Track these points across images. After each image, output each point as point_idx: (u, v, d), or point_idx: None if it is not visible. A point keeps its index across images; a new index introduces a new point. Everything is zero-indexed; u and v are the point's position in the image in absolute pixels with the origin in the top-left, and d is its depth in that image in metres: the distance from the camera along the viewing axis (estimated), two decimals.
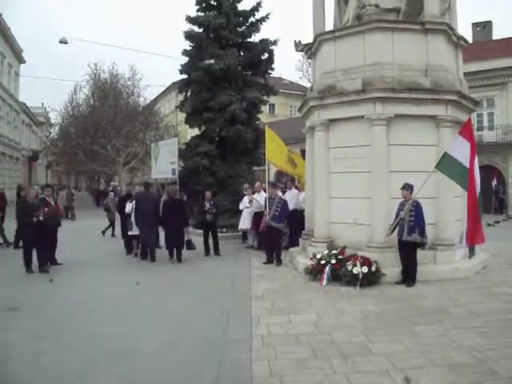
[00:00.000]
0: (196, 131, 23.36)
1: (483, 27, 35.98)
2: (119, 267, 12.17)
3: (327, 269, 9.55)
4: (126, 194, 15.56)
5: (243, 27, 22.18)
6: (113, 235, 18.35)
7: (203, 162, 19.95)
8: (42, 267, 11.04)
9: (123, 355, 5.88)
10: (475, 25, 36.21)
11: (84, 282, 10.32)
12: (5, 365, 5.62)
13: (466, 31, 36.39)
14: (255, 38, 22.25)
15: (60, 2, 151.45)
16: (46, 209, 11.18)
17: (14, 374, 5.35)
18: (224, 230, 16.92)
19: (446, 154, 9.10)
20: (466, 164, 8.97)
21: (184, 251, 12.97)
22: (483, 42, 32.62)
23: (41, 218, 10.93)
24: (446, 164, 9.08)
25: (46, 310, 8.04)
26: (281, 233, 12.40)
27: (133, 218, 13.22)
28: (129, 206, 13.53)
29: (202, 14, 21.97)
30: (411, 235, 9.13)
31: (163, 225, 13.13)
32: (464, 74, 12.17)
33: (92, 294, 9.22)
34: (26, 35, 65.01)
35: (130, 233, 13.58)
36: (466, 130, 9.34)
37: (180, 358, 5.82)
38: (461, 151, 8.97)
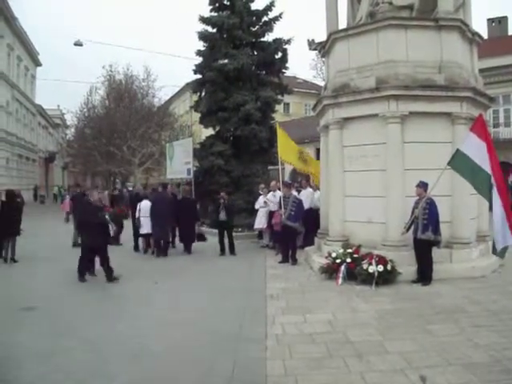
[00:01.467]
0: (210, 131, 23.43)
1: (499, 22, 35.53)
2: (135, 266, 12.22)
3: (342, 268, 9.54)
4: (135, 194, 16.14)
5: (256, 27, 22.18)
6: None
7: (218, 162, 19.99)
8: (110, 276, 10.17)
9: (138, 354, 5.94)
10: (490, 20, 35.78)
11: (101, 280, 10.37)
12: (20, 364, 5.68)
13: (481, 27, 35.97)
14: (269, 37, 22.27)
15: (72, 3, 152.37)
16: (111, 209, 10.79)
17: (29, 373, 5.40)
18: (239, 229, 16.94)
19: (458, 150, 8.77)
20: (486, 168, 8.28)
21: (198, 245, 14.23)
22: (499, 38, 32.20)
23: (107, 218, 10.58)
24: (459, 161, 8.74)
25: (61, 309, 8.12)
26: (296, 232, 12.39)
27: (142, 218, 13.81)
28: (139, 207, 14.00)
29: (216, 14, 22.02)
30: (425, 233, 9.08)
31: (177, 222, 14.08)
32: (479, 70, 12.08)
33: (108, 293, 9.31)
34: (39, 37, 65.58)
35: (141, 231, 14.04)
36: (477, 126, 8.84)
37: (195, 356, 5.86)
38: (475, 149, 8.56)
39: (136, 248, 14.67)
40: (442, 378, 4.95)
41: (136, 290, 9.53)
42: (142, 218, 13.86)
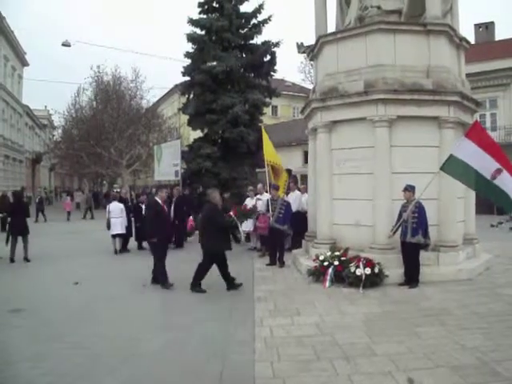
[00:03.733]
0: (199, 133, 23.47)
1: (486, 28, 35.91)
2: (121, 267, 12.21)
3: (330, 270, 9.54)
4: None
5: (245, 29, 22.28)
6: None
7: (206, 164, 20.01)
8: (233, 283, 9.60)
9: (127, 356, 5.91)
10: (478, 26, 36.15)
11: (93, 281, 10.34)
12: (9, 367, 5.62)
13: (468, 32, 36.32)
14: (257, 40, 22.44)
15: (60, 3, 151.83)
16: (231, 213, 10.54)
17: (19, 376, 5.35)
18: None
19: (451, 156, 8.79)
20: (487, 173, 8.26)
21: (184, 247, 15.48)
22: (486, 43, 32.56)
23: (237, 221, 10.20)
24: (453, 166, 8.74)
25: (50, 311, 8.06)
26: (284, 234, 12.39)
27: (112, 219, 14.56)
28: (109, 209, 14.83)
29: (205, 16, 22.07)
30: (415, 237, 9.12)
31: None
32: (467, 74, 12.17)
33: (99, 294, 9.24)
34: (27, 37, 65.11)
35: (112, 232, 14.62)
36: (473, 132, 8.87)
37: (183, 358, 5.84)
38: (472, 155, 8.40)
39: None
40: (430, 380, 4.96)
41: (127, 291, 9.49)
42: (112, 219, 14.49)
